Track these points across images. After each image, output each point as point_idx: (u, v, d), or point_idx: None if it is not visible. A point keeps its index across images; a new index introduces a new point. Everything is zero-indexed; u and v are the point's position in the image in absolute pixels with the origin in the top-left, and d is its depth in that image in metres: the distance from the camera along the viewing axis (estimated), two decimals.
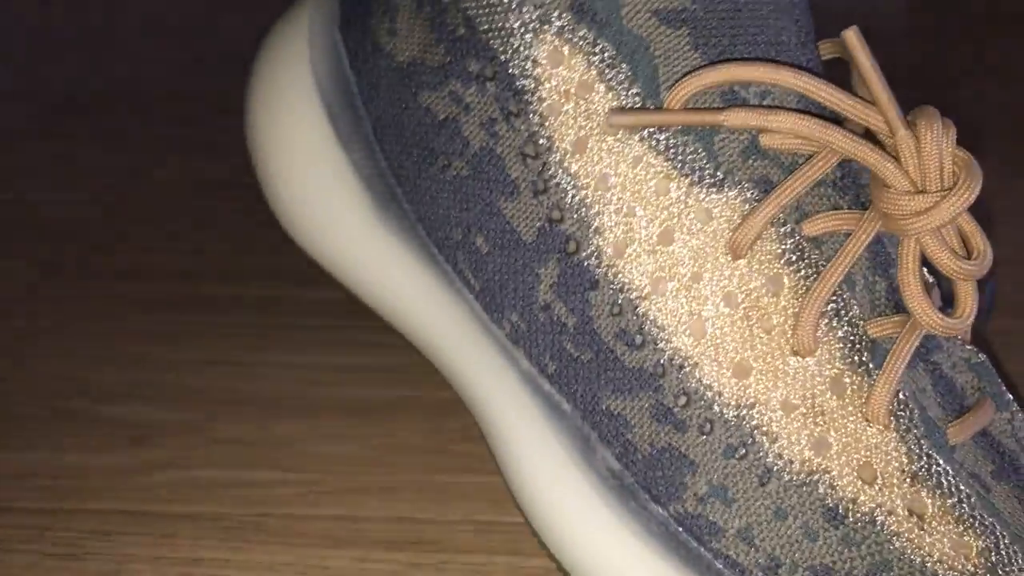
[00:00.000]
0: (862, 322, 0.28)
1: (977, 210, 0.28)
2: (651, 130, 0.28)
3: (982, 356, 0.30)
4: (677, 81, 0.28)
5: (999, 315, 0.45)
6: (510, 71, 0.29)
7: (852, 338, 0.28)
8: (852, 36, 0.28)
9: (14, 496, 0.37)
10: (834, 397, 0.28)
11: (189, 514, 0.36)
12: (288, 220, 0.37)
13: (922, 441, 0.28)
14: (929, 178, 0.27)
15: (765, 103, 0.28)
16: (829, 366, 0.28)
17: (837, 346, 0.28)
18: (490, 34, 0.30)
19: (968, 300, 0.28)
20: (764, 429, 0.28)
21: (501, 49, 0.30)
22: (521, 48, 0.29)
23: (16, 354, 0.44)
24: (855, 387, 0.28)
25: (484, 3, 0.30)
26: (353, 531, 0.35)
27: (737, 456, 0.28)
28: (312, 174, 0.35)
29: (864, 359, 0.28)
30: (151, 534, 0.35)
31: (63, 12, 0.82)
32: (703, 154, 0.28)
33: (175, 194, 0.56)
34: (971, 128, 0.66)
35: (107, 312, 0.46)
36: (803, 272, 0.28)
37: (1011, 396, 0.30)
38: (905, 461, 0.27)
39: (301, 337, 0.38)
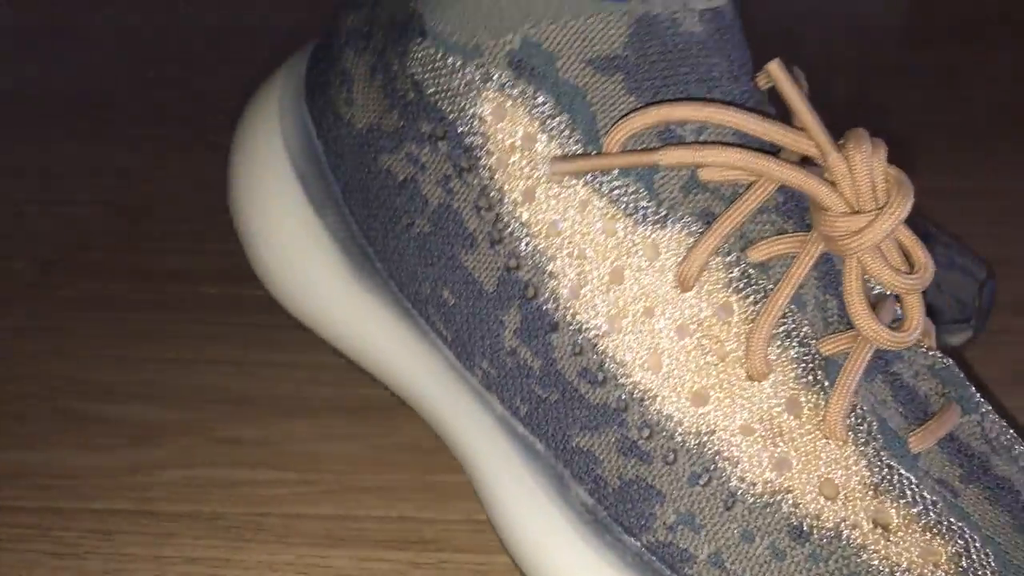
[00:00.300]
0: (814, 341, 0.29)
1: (915, 224, 0.29)
2: (594, 174, 0.29)
3: (948, 361, 0.30)
4: (614, 126, 0.29)
5: (999, 314, 0.45)
6: (458, 129, 0.31)
7: (805, 358, 0.28)
8: (775, 68, 0.29)
9: (14, 496, 0.37)
10: (792, 417, 0.28)
11: (189, 513, 0.36)
12: (270, 282, 0.38)
13: (882, 453, 0.28)
14: (863, 198, 0.28)
15: (702, 139, 0.29)
16: (784, 387, 0.28)
17: (790, 367, 0.28)
18: (437, 96, 0.31)
19: (915, 312, 0.29)
20: (725, 454, 0.28)
21: (448, 109, 0.31)
22: (466, 107, 0.30)
23: (16, 354, 0.44)
24: (811, 405, 0.28)
25: (430, 67, 0.31)
26: (353, 530, 0.35)
27: (701, 483, 0.28)
28: (290, 239, 0.36)
29: (818, 377, 0.28)
30: (151, 533, 0.35)
31: (63, 12, 0.82)
32: (644, 193, 0.29)
33: (175, 194, 0.56)
34: (971, 128, 0.66)
35: (107, 312, 0.46)
36: (751, 298, 0.29)
37: (981, 398, 0.30)
38: (867, 474, 0.28)
39: (301, 337, 0.38)
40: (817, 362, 0.28)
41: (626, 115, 0.29)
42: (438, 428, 0.35)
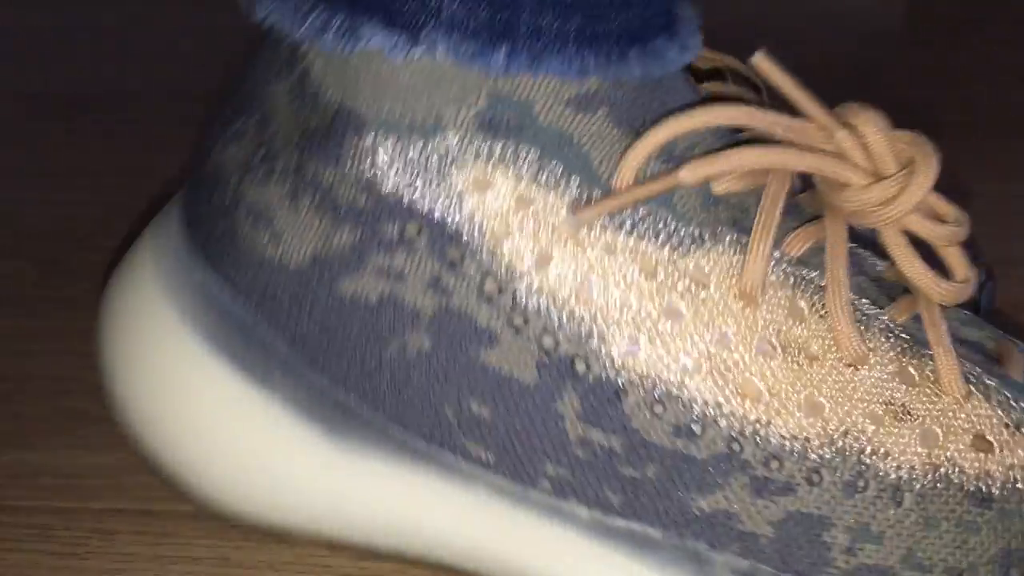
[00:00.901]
0: (881, 314, 0.28)
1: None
2: (610, 216, 0.27)
3: (968, 313, 0.30)
4: (612, 160, 0.27)
5: (999, 314, 0.45)
6: (436, 218, 0.27)
7: (887, 330, 0.28)
8: (761, 60, 0.27)
9: (15, 496, 0.37)
10: (909, 389, 0.27)
11: (190, 513, 0.36)
12: (225, 504, 0.32)
13: (1002, 391, 0.27)
14: (885, 165, 0.27)
15: (696, 152, 0.28)
16: (888, 362, 0.27)
17: (881, 340, 0.27)
18: (399, 190, 0.27)
19: (961, 264, 0.28)
20: (869, 450, 0.27)
21: (418, 200, 0.27)
22: (440, 190, 0.27)
23: (16, 354, 0.44)
24: (920, 371, 0.27)
25: (381, 161, 0.27)
26: None
27: (860, 489, 0.27)
28: (236, 440, 0.30)
29: (910, 344, 0.28)
30: (152, 533, 0.35)
31: (63, 12, 0.82)
32: (671, 218, 0.27)
33: (175, 194, 0.56)
34: (971, 128, 0.66)
35: None
36: (810, 291, 0.27)
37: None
38: (1003, 415, 0.27)
39: None
40: (899, 330, 0.28)
41: (625, 146, 0.27)
42: (479, 572, 0.30)
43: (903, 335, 0.28)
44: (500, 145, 0.27)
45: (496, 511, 0.29)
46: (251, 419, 0.30)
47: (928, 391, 0.27)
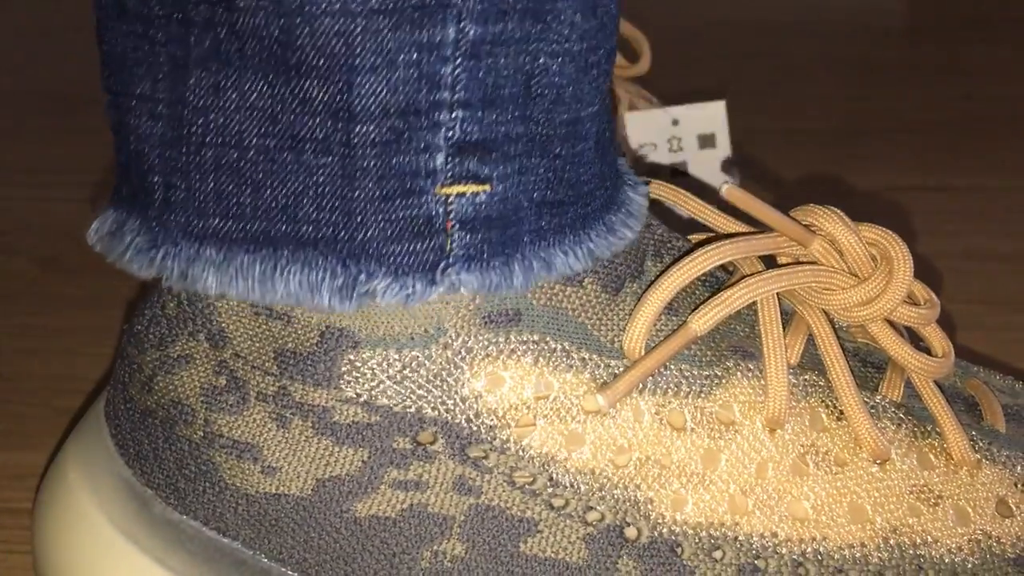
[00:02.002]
0: (879, 397, 0.28)
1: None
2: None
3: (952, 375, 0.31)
4: (607, 325, 0.27)
5: (1000, 311, 0.45)
6: (452, 421, 0.26)
7: (895, 417, 0.28)
8: (731, 191, 0.27)
9: (14, 496, 0.37)
10: (932, 473, 0.28)
11: None
12: None
13: (1003, 451, 0.28)
14: (861, 264, 0.28)
15: (690, 299, 0.28)
16: (908, 452, 0.28)
17: (894, 429, 0.28)
18: (406, 401, 0.26)
19: (941, 340, 0.29)
20: (919, 540, 0.27)
21: (427, 406, 0.26)
22: (452, 393, 0.26)
23: (16, 353, 0.44)
24: (935, 451, 0.28)
25: (381, 375, 0.26)
26: None
27: None
28: None
29: (918, 425, 0.28)
30: None
31: (63, 12, 0.82)
32: (686, 367, 0.27)
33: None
34: (971, 128, 0.66)
35: (107, 311, 0.46)
36: (820, 395, 0.28)
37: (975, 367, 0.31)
38: (1008, 474, 0.28)
39: None
40: (902, 411, 0.28)
41: (613, 304, 0.27)
42: None
43: (908, 417, 0.28)
44: (503, 337, 0.26)
45: None
46: None
47: (946, 470, 0.28)
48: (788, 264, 0.28)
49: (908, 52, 0.77)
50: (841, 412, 0.28)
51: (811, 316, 0.28)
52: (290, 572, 0.27)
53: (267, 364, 0.26)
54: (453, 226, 0.25)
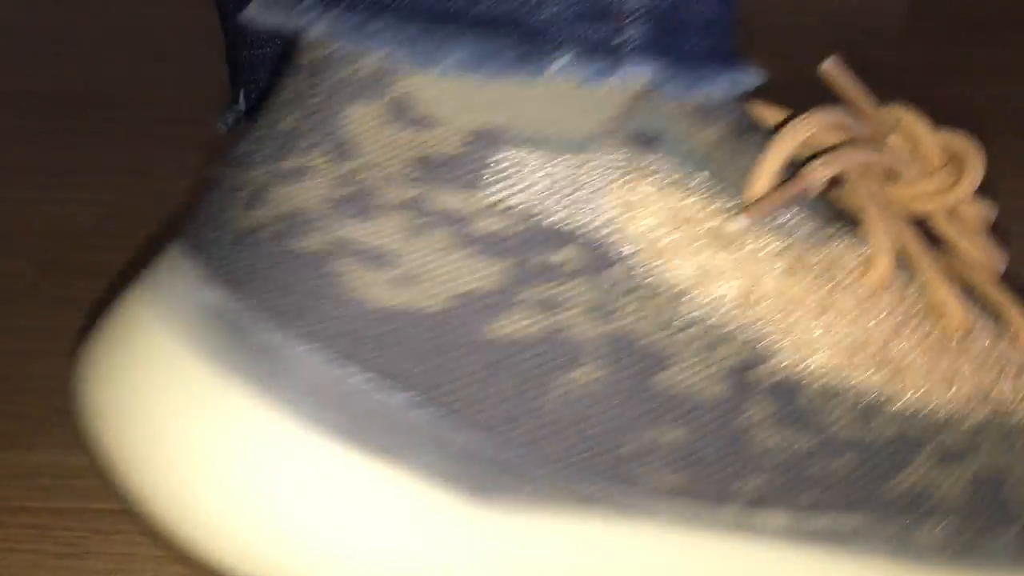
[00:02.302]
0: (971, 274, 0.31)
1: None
2: (758, 220, 0.27)
3: None
4: (731, 168, 0.27)
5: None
6: (592, 240, 0.25)
7: (967, 295, 0.30)
8: (831, 67, 0.29)
9: (14, 496, 0.37)
10: (1007, 347, 0.30)
11: None
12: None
13: None
14: (934, 158, 0.31)
15: (803, 157, 0.29)
16: (983, 330, 0.30)
17: (970, 305, 0.30)
18: (548, 214, 0.25)
19: (988, 242, 0.32)
20: (1006, 410, 0.29)
21: (569, 221, 0.25)
22: (594, 209, 0.25)
23: (16, 354, 0.44)
24: (1008, 333, 0.30)
25: (523, 185, 0.25)
26: None
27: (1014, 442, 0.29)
28: (334, 514, 0.25)
29: (981, 309, 0.30)
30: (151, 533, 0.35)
31: (63, 12, 0.82)
32: (808, 217, 0.28)
33: (175, 194, 0.56)
34: (971, 128, 0.66)
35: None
36: (907, 271, 0.29)
37: None
38: None
39: None
40: (969, 295, 0.30)
41: (738, 151, 0.27)
42: None
43: (974, 300, 0.30)
44: (645, 159, 0.26)
45: (678, 541, 0.27)
46: (362, 494, 0.25)
47: (1012, 346, 0.30)
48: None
49: (908, 52, 0.77)
50: (926, 288, 0.29)
51: (889, 209, 0.29)
52: (405, 403, 0.25)
53: (405, 171, 0.25)
54: (633, 15, 0.25)
